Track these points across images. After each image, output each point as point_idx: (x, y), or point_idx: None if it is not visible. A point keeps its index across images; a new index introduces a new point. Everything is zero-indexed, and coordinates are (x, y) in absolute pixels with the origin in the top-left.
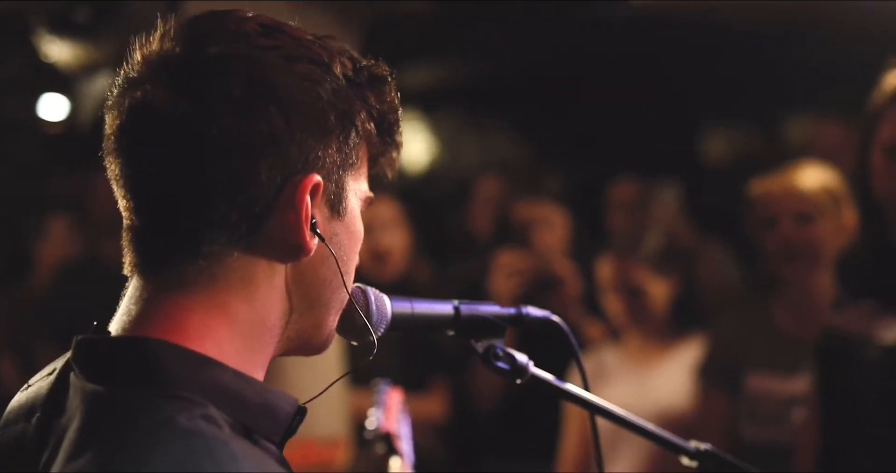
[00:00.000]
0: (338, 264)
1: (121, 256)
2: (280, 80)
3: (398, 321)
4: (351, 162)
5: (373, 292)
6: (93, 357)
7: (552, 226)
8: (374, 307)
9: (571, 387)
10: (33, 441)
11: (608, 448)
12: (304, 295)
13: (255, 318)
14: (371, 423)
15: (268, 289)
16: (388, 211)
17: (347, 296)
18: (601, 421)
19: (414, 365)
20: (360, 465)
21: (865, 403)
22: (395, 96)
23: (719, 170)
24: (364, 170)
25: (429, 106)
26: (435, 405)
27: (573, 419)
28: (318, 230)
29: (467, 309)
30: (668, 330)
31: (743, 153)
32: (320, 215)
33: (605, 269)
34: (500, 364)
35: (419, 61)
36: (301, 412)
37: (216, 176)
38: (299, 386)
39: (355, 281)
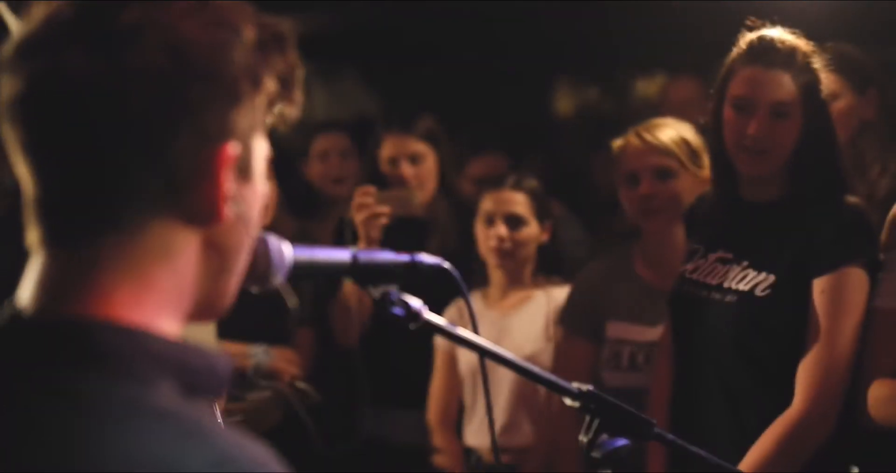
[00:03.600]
0: (245, 229)
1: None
2: (196, 49)
3: (298, 268)
4: (258, 124)
5: (272, 239)
6: (22, 343)
7: (423, 160)
8: (273, 253)
9: (463, 332)
10: None
11: (474, 389)
12: (217, 261)
13: (176, 286)
14: None
15: (186, 257)
16: None
17: (248, 259)
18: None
19: (275, 320)
20: None
21: (718, 348)
22: (295, 54)
23: (567, 127)
24: (264, 128)
25: None
26: (301, 357)
27: (439, 359)
28: (230, 197)
29: (364, 255)
30: (529, 274)
31: (590, 110)
32: (232, 181)
33: (486, 202)
34: (395, 309)
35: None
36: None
37: (133, 143)
38: None
39: None
